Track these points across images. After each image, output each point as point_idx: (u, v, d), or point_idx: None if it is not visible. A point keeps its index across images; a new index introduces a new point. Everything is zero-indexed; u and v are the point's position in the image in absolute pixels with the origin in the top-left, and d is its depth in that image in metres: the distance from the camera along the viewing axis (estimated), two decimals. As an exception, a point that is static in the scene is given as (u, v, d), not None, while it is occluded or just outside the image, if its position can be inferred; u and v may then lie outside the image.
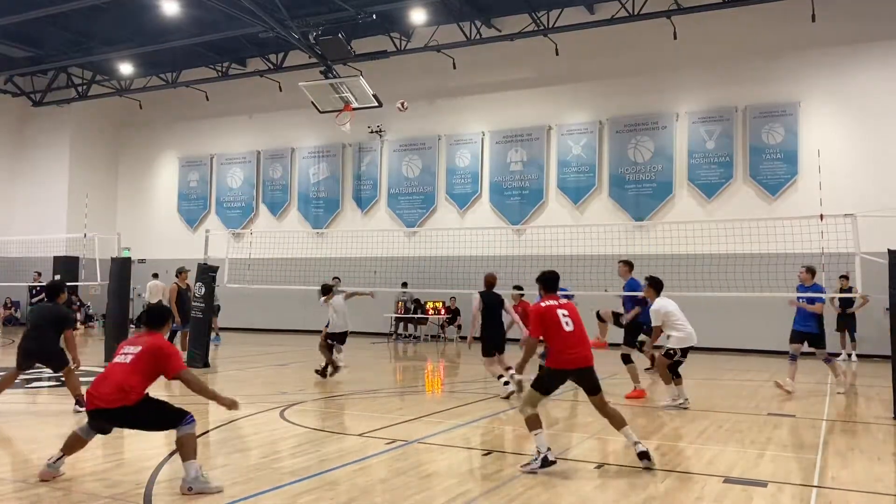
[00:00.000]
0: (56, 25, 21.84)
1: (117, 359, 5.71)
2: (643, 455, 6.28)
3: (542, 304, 6.74)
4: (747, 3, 17.99)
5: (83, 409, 8.55)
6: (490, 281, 11.33)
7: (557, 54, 20.58)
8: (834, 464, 6.70)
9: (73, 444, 5.80)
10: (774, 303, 13.72)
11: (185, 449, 5.48)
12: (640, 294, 11.28)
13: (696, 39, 19.47)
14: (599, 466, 6.46)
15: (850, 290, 15.80)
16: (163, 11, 19.74)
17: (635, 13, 18.71)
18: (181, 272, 15.17)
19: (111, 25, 21.89)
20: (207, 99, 26.28)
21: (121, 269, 15.21)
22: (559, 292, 6.90)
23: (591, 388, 6.59)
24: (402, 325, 22.73)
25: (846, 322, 16.83)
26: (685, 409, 9.59)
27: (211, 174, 26.93)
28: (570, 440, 7.74)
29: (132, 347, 5.74)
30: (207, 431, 7.83)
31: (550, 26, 19.70)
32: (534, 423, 6.38)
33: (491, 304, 11.05)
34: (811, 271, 11.52)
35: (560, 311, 6.61)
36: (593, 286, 16.64)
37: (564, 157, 21.31)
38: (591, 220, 20.32)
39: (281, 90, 24.52)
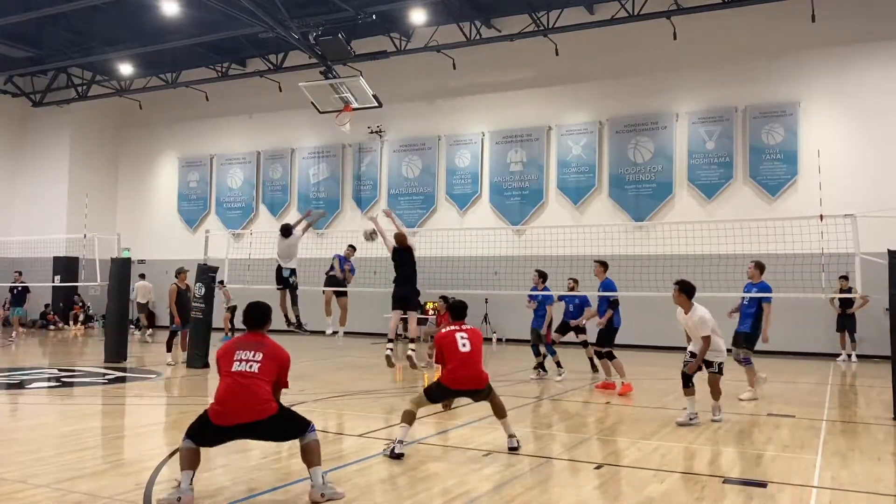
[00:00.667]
0: (56, 25, 21.82)
1: (238, 367, 5.35)
2: (512, 449, 6.93)
3: (443, 331, 7.21)
4: (747, 3, 17.97)
5: None
6: (400, 240, 12.10)
7: (557, 54, 20.56)
8: (834, 464, 6.70)
9: (193, 459, 5.28)
10: (774, 303, 13.69)
11: (314, 455, 5.38)
12: (614, 295, 11.68)
13: (696, 39, 19.46)
14: (599, 467, 6.46)
15: (849, 290, 15.79)
16: (163, 11, 19.72)
17: (635, 13, 18.69)
18: (180, 273, 15.15)
19: (111, 25, 21.88)
20: (207, 99, 26.28)
21: (120, 269, 15.23)
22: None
23: (483, 399, 7.19)
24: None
25: (846, 322, 16.82)
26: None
27: (211, 174, 26.92)
28: (570, 440, 7.74)
29: (250, 353, 5.43)
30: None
31: (550, 27, 19.69)
32: (409, 418, 6.79)
33: (400, 259, 12.01)
34: (760, 267, 11.02)
35: (458, 334, 7.07)
36: (593, 287, 16.64)
37: (564, 158, 21.30)
38: (591, 220, 20.31)
39: (281, 90, 24.51)
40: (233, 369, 5.36)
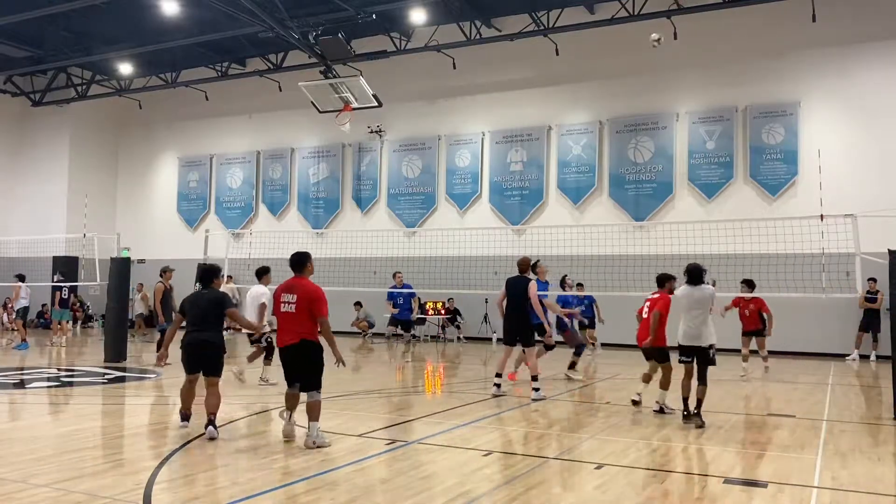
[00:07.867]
0: (56, 25, 21.82)
1: (283, 308, 7.12)
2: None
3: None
4: (747, 3, 17.97)
5: None
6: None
7: (557, 54, 20.55)
8: (834, 464, 6.69)
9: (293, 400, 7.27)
10: (774, 303, 13.72)
11: (315, 413, 7.04)
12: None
13: (696, 39, 19.44)
14: (599, 467, 6.46)
15: (876, 292, 15.92)
16: (163, 11, 19.72)
17: (635, 13, 18.68)
18: (166, 271, 14.94)
19: (111, 25, 21.88)
20: (207, 99, 26.27)
21: (120, 269, 15.21)
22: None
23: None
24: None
25: (872, 322, 16.67)
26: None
27: (210, 174, 26.91)
28: (569, 440, 7.74)
29: (289, 296, 7.14)
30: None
31: (550, 26, 19.68)
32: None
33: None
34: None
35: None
36: (593, 287, 16.66)
37: (564, 157, 21.30)
38: (591, 220, 20.31)
39: (281, 90, 24.49)
40: (281, 310, 7.16)
